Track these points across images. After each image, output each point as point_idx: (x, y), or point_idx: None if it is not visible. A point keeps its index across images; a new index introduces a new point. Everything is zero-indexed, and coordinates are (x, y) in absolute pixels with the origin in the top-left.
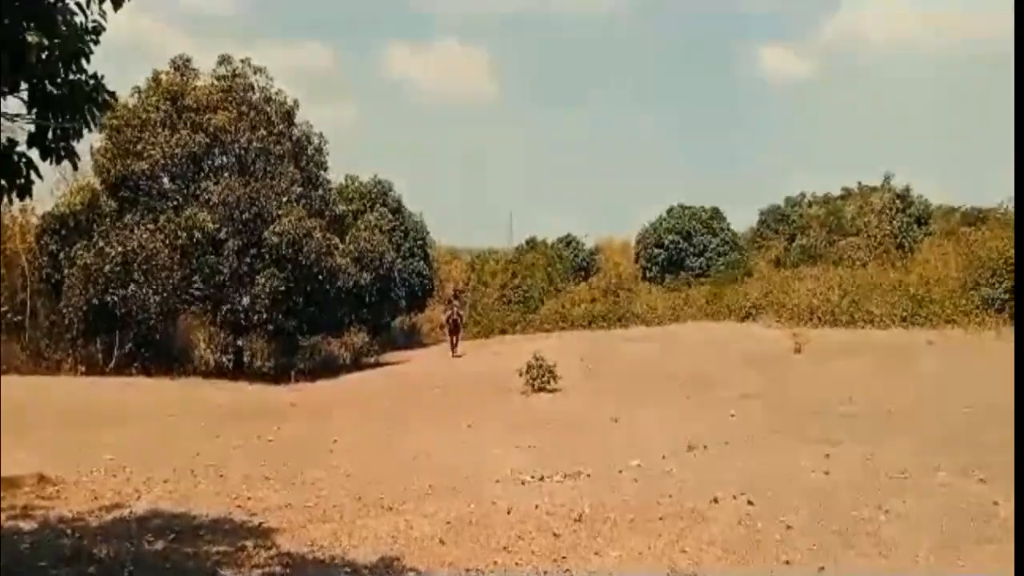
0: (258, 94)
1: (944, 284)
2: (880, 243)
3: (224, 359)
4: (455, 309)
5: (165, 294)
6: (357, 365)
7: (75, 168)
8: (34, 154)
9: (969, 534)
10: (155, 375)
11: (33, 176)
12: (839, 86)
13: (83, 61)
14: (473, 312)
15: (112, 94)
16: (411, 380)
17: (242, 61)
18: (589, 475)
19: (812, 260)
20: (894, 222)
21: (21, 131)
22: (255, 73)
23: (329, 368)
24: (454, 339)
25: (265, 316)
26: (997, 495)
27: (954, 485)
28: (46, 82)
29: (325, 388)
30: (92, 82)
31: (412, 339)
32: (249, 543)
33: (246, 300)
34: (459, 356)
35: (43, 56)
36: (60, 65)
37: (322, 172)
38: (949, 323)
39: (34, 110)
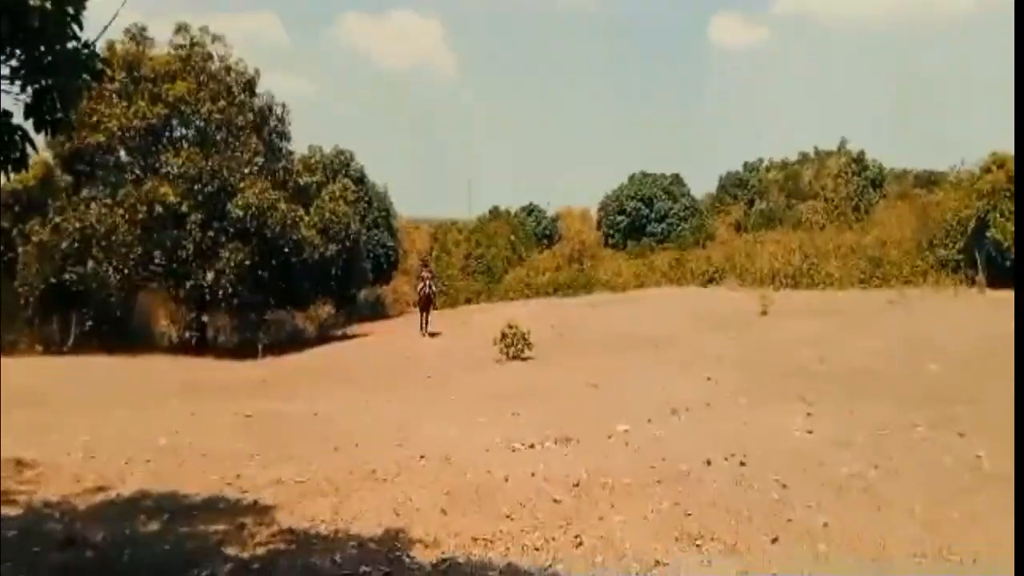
0: (217, 63)
1: (900, 246)
2: (837, 206)
3: (187, 335)
4: (427, 282)
5: (126, 270)
6: (323, 338)
7: (70, 139)
8: (27, 125)
9: (958, 486)
10: (116, 353)
11: (29, 149)
12: (791, 54)
13: (77, 27)
14: (438, 283)
15: (106, 62)
16: (382, 352)
17: (200, 30)
18: (579, 441)
19: (771, 224)
20: (850, 185)
21: (15, 103)
22: (213, 42)
23: (295, 342)
24: (426, 316)
25: (230, 291)
26: (977, 448)
27: (934, 440)
28: (42, 48)
29: (295, 362)
30: (86, 50)
31: (377, 311)
32: (247, 520)
33: (210, 275)
34: (433, 335)
35: (41, 21)
36: (59, 30)
37: (285, 143)
38: (906, 283)
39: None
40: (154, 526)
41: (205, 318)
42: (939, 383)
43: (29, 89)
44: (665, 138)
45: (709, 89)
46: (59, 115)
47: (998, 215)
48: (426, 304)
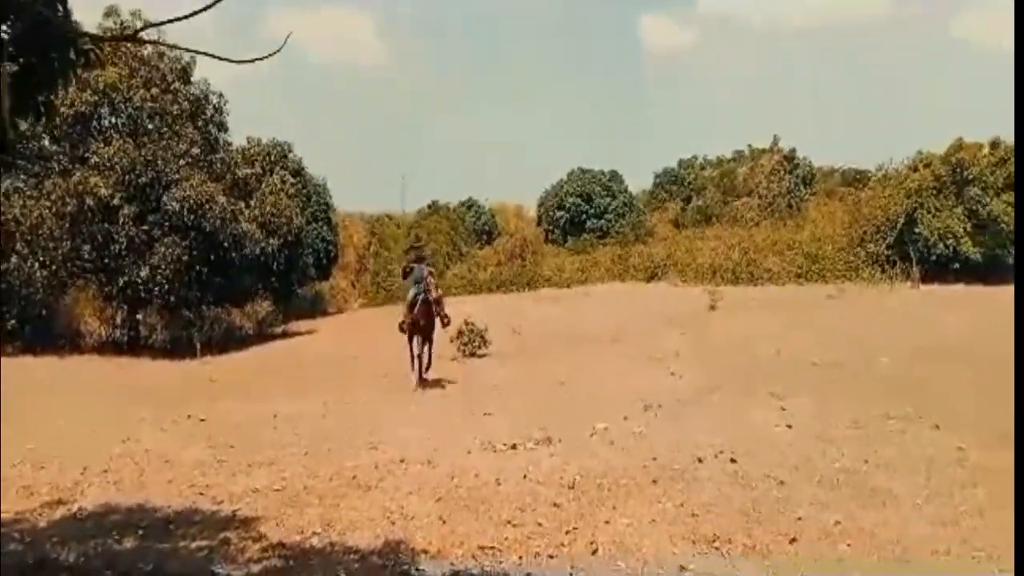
0: (150, 49)
1: (833, 242)
2: (771, 203)
3: (118, 334)
4: (427, 281)
5: (53, 266)
6: (264, 336)
7: (50, 121)
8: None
9: (952, 480)
10: (41, 354)
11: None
12: (722, 53)
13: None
14: (376, 278)
15: (97, 39)
16: (330, 350)
17: (132, 14)
18: (561, 441)
19: (708, 220)
20: (783, 183)
21: None
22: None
23: (233, 340)
24: (426, 346)
25: (166, 287)
26: (955, 441)
27: (911, 432)
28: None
29: (240, 361)
30: (71, 25)
31: (317, 307)
32: (231, 535)
33: (144, 271)
34: (427, 383)
35: None
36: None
37: (222, 134)
38: (840, 278)
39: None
40: (129, 543)
41: (140, 316)
42: (894, 376)
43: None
44: (601, 135)
45: (643, 87)
46: (42, 99)
47: (926, 212)
48: (426, 325)
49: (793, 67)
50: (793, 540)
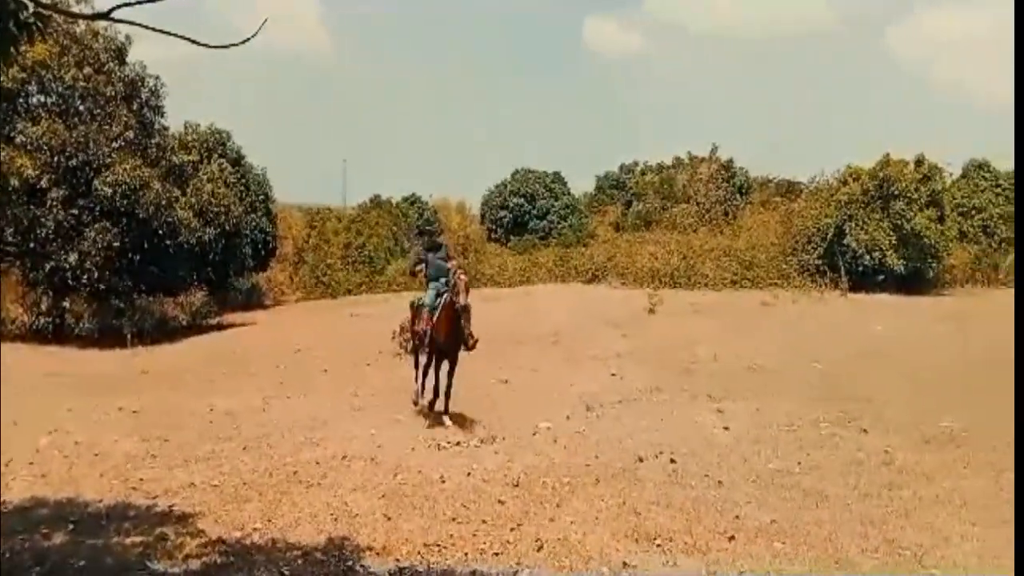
0: (83, 26)
1: (767, 250)
2: (709, 210)
3: (43, 321)
4: (457, 274)
5: None
6: (198, 328)
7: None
8: None
9: (880, 481)
10: None
11: None
12: (664, 60)
13: None
14: (315, 272)
15: (41, 15)
16: (267, 343)
17: None
18: (504, 439)
19: (648, 225)
20: (720, 191)
21: None
22: (79, 2)
23: (164, 331)
24: (447, 363)
25: (96, 274)
26: (882, 444)
27: (841, 436)
28: None
29: (172, 352)
30: None
31: (253, 300)
32: (168, 530)
33: (73, 256)
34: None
35: None
36: None
37: (159, 118)
38: (773, 285)
39: None
40: (59, 538)
41: (66, 303)
42: (825, 381)
43: None
44: (545, 136)
45: (588, 90)
46: None
47: (854, 225)
48: (449, 341)
49: (733, 77)
50: (731, 538)
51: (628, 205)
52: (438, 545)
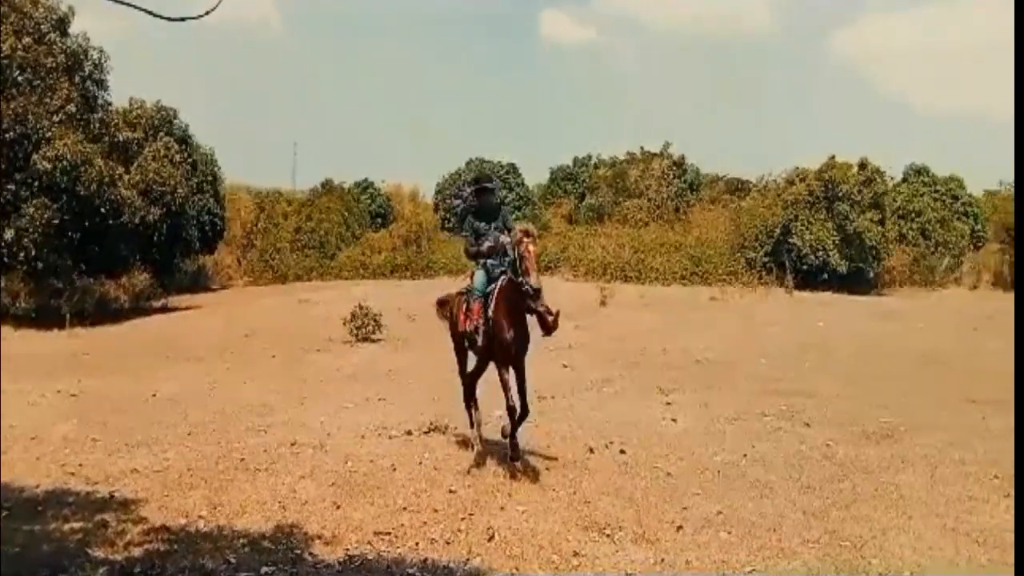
0: None
1: (715, 246)
2: (660, 205)
3: None
4: (524, 258)
5: None
6: (140, 310)
7: None
8: None
9: (822, 475)
10: None
11: None
12: (618, 55)
13: None
14: (264, 256)
15: None
16: (214, 328)
17: None
18: (456, 428)
19: (600, 219)
20: (671, 187)
21: None
22: None
23: (106, 312)
24: (512, 378)
25: (33, 252)
26: (825, 438)
27: (785, 429)
28: None
29: (114, 335)
30: None
31: (199, 283)
32: (109, 517)
33: (9, 234)
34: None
35: None
36: None
37: (102, 92)
38: (721, 281)
39: None
40: None
41: (2, 282)
42: (770, 375)
43: None
44: (500, 127)
45: (542, 83)
46: None
47: (800, 224)
48: (517, 336)
49: (686, 75)
50: (679, 528)
51: (581, 198)
52: (388, 534)
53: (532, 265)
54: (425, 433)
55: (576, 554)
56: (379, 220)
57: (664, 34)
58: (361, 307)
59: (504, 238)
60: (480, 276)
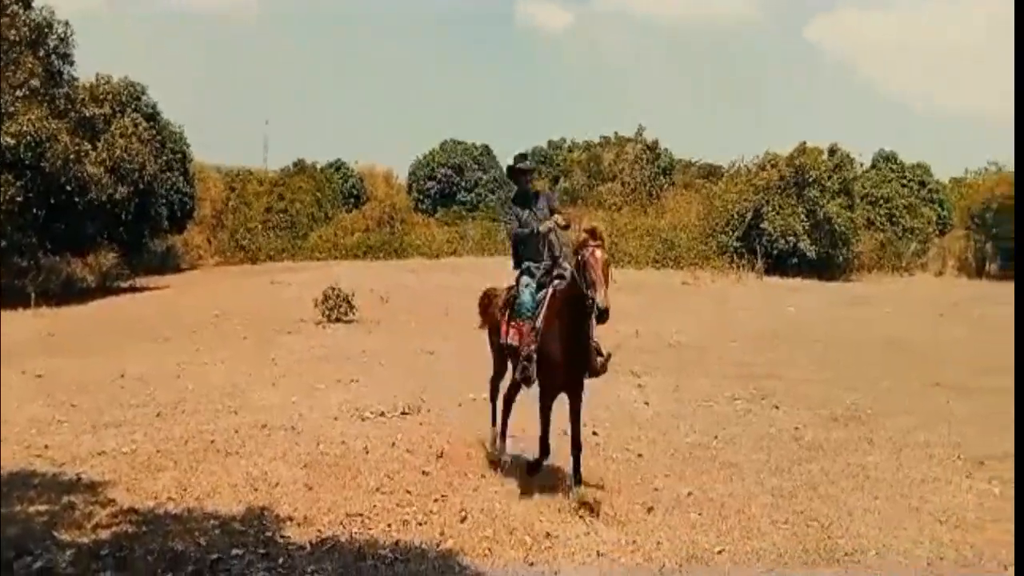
0: None
1: (688, 230)
2: (634, 189)
3: None
4: (587, 263)
5: None
6: (107, 290)
7: None
8: None
9: (790, 457)
10: None
11: None
12: (596, 39)
13: None
14: (235, 236)
15: None
16: (184, 308)
17: None
18: (429, 410)
19: (574, 202)
20: (645, 171)
21: None
22: None
23: (72, 292)
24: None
25: None
26: (793, 421)
27: (755, 412)
28: None
29: (81, 314)
30: None
31: (169, 263)
32: (76, 499)
33: None
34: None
35: None
36: None
37: (67, 67)
38: (693, 265)
39: None
40: None
41: None
42: (741, 359)
43: None
44: (474, 108)
45: (518, 65)
46: None
47: (771, 209)
48: (575, 359)
49: (661, 60)
50: (650, 509)
51: (555, 181)
52: (361, 516)
53: (599, 276)
54: (399, 415)
55: (548, 535)
56: (352, 201)
57: (642, 20)
58: (333, 288)
59: (547, 223)
60: (527, 289)
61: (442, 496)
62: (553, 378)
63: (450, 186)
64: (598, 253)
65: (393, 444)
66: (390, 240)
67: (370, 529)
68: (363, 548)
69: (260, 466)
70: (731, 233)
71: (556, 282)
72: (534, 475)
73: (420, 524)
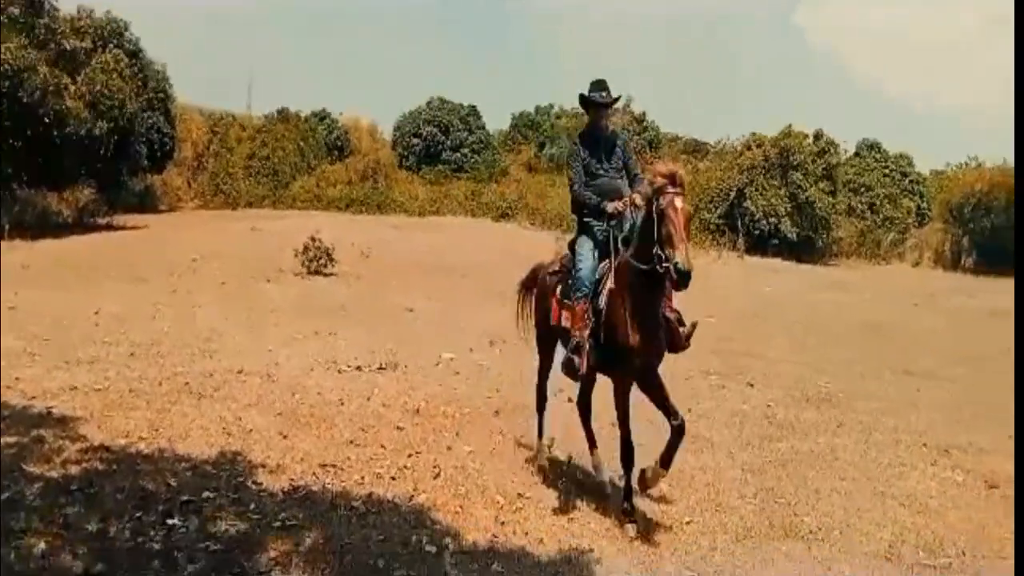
0: None
1: None
2: None
3: None
4: (670, 218)
5: None
6: (84, 226)
7: None
8: None
9: (760, 433)
10: None
11: None
12: (588, 11)
13: None
14: (215, 179)
15: None
16: (160, 249)
17: None
18: (407, 367)
19: (560, 168)
20: (631, 142)
21: None
22: None
23: (48, 226)
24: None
25: None
26: (766, 398)
27: (729, 388)
28: None
29: (56, 248)
30: None
31: (147, 203)
32: (46, 433)
33: None
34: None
35: None
36: None
37: None
38: None
39: None
40: None
41: None
42: (719, 336)
43: None
44: (462, 68)
45: (510, 28)
46: None
47: (754, 189)
48: (647, 336)
49: (653, 35)
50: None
51: (542, 147)
52: (334, 466)
53: (680, 230)
54: (376, 370)
55: (520, 496)
56: (336, 152)
57: None
58: (314, 239)
59: (615, 205)
60: (587, 255)
61: (416, 452)
62: (626, 366)
63: (435, 145)
64: (678, 202)
65: (368, 398)
66: (373, 195)
67: (343, 481)
68: (335, 498)
69: (234, 411)
70: (714, 210)
71: (624, 255)
72: (648, 490)
73: (393, 478)
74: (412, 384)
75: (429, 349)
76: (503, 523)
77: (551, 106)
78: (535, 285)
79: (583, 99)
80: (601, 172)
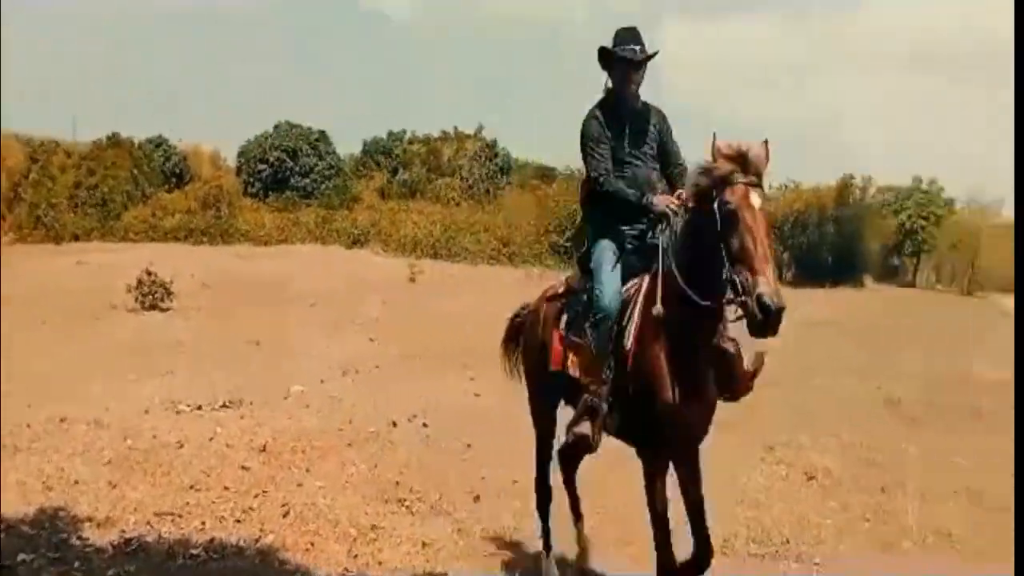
0: None
1: (523, 229)
2: (472, 186)
3: None
4: (744, 216)
5: None
6: None
7: None
8: None
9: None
10: None
11: None
12: (440, 35)
13: None
14: (35, 211)
15: None
16: None
17: None
18: (252, 403)
19: (413, 195)
20: (483, 168)
21: None
22: None
23: None
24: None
25: None
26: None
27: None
28: None
29: None
30: None
31: None
32: None
33: None
34: None
35: None
36: None
37: None
38: (527, 263)
39: None
40: None
41: None
42: None
43: None
44: (310, 93)
45: (359, 52)
46: None
47: None
48: (695, 387)
49: (504, 58)
50: (477, 498)
51: (394, 173)
52: (171, 514)
53: (762, 243)
54: (219, 408)
55: (374, 527)
56: (174, 180)
57: (487, 17)
58: (149, 272)
59: (664, 200)
60: (607, 273)
61: (263, 492)
62: (661, 438)
63: (283, 171)
64: (755, 199)
65: (211, 439)
66: (215, 224)
67: (181, 528)
68: (173, 547)
69: (56, 463)
70: (563, 233)
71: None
72: None
73: (238, 521)
74: (259, 420)
75: (277, 383)
76: (355, 556)
77: (403, 132)
78: (522, 327)
79: (604, 55)
80: (629, 159)
